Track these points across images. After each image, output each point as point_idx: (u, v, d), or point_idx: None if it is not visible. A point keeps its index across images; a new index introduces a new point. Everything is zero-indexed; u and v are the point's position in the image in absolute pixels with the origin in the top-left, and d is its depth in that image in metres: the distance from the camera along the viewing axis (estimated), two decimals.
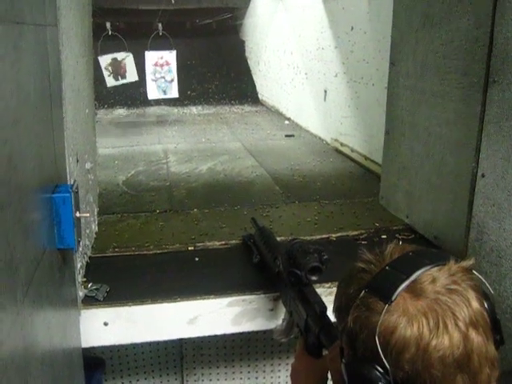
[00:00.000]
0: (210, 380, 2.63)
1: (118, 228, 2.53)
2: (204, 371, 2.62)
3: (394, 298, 0.86)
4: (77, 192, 1.42)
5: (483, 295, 0.89)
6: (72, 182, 1.47)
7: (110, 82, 4.94)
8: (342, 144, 4.32)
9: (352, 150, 4.10)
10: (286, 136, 5.08)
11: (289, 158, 4.16)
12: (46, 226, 1.28)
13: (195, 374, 2.62)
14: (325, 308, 1.45)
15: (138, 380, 2.59)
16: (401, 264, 0.92)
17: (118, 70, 4.86)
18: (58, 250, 1.38)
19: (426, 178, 2.24)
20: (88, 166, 1.97)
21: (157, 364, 2.59)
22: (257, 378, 2.68)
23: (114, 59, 4.87)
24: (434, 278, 0.87)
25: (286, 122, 5.96)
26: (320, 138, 4.91)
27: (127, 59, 4.88)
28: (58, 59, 1.50)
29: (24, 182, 1.08)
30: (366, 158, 3.82)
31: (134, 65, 4.91)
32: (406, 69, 2.35)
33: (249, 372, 2.66)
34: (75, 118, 1.78)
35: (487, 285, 0.94)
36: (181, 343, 2.59)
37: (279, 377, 2.69)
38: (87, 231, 2.02)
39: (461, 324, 0.84)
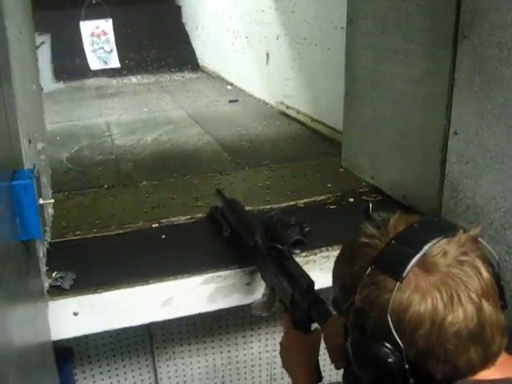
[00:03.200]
0: (182, 358, 2.57)
1: (67, 206, 2.43)
2: (175, 349, 2.56)
3: (405, 274, 0.83)
4: (38, 177, 1.29)
5: (489, 263, 0.87)
6: (31, 166, 1.33)
7: None
8: (287, 106, 4.29)
9: (298, 112, 4.08)
10: (230, 101, 5.01)
11: (234, 124, 4.11)
12: (7, 219, 1.15)
13: (166, 353, 2.55)
14: (312, 282, 1.40)
15: (107, 364, 2.49)
16: (408, 237, 0.87)
17: None
18: (21, 242, 1.26)
19: (391, 138, 2.21)
20: (40, 146, 1.82)
21: (125, 346, 2.50)
22: (229, 351, 2.64)
23: None
24: (444, 250, 0.84)
25: (229, 87, 5.87)
26: (264, 102, 4.86)
27: (41, 48, 4.43)
28: (3, 28, 1.34)
29: None
30: (312, 120, 3.82)
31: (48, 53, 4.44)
32: (365, 27, 2.28)
33: (221, 346, 2.62)
34: (24, 95, 1.63)
35: (493, 252, 0.92)
36: (149, 323, 2.50)
37: (252, 347, 2.67)
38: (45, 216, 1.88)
39: (473, 296, 0.82)
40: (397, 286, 0.82)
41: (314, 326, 1.37)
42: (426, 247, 0.84)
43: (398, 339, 0.82)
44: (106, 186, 2.72)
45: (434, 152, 1.91)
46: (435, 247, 0.84)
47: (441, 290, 0.81)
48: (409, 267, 0.83)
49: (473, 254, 0.85)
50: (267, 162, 3.06)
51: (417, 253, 0.84)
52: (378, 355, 0.85)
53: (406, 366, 0.84)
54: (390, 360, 0.84)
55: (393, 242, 0.87)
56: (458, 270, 0.83)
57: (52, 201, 1.60)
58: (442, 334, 0.81)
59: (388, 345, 0.84)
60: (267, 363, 2.69)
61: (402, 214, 0.95)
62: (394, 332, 0.82)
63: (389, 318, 0.82)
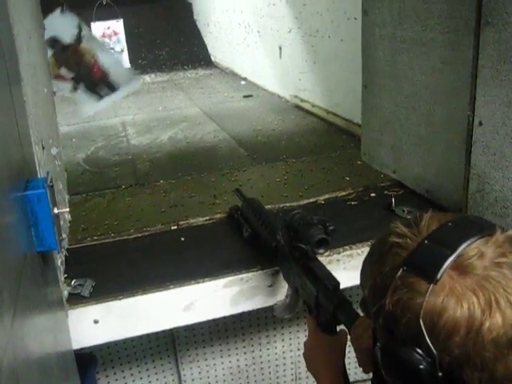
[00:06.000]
0: (206, 359, 2.54)
1: (85, 208, 2.44)
2: (198, 351, 2.52)
3: (439, 276, 0.77)
4: (52, 186, 1.26)
5: None
6: (45, 175, 1.30)
7: None
8: (302, 100, 4.27)
9: (313, 105, 4.06)
10: (245, 97, 5.00)
11: (250, 119, 4.10)
12: (22, 231, 1.12)
13: (189, 356, 2.52)
14: (337, 283, 1.35)
15: (130, 368, 2.47)
16: (441, 237, 0.82)
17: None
18: (37, 253, 1.23)
19: (413, 131, 2.14)
20: (54, 151, 1.80)
21: (148, 350, 2.48)
22: (253, 351, 2.60)
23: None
24: (481, 252, 0.79)
25: (243, 82, 5.85)
26: (279, 96, 4.87)
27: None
28: (11, 34, 1.30)
29: None
30: (328, 112, 3.80)
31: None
32: (381, 18, 2.22)
33: (244, 347, 2.58)
34: (35, 100, 1.60)
35: None
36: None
37: (276, 347, 2.63)
38: (61, 223, 1.85)
39: None
40: (430, 288, 0.77)
41: (339, 327, 1.33)
42: (461, 248, 0.79)
43: (432, 346, 0.78)
44: (123, 187, 2.73)
45: (459, 144, 1.84)
46: (471, 248, 0.79)
47: (478, 293, 0.76)
48: (443, 269, 0.78)
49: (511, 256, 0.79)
50: (284, 156, 3.04)
51: (452, 253, 0.79)
52: (409, 361, 0.80)
53: (439, 374, 0.79)
54: (421, 367, 0.79)
55: (425, 241, 0.82)
56: (496, 272, 0.77)
57: (67, 210, 1.57)
58: (479, 342, 0.75)
59: (420, 351, 0.79)
60: (292, 363, 2.65)
61: (435, 212, 0.90)
62: (427, 338, 0.77)
63: (421, 324, 0.77)
